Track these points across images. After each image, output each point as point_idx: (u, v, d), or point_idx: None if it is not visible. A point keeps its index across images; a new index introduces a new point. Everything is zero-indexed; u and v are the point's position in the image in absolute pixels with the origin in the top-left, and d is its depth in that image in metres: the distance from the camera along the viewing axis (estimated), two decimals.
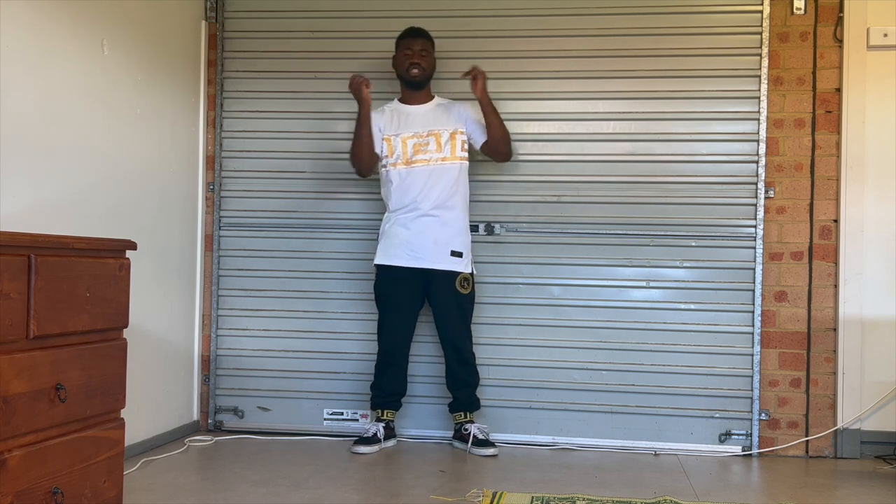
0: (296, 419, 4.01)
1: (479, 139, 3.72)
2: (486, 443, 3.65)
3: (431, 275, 3.64)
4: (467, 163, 3.72)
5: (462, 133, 3.70)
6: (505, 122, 3.89)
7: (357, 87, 3.61)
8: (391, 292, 3.68)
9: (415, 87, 3.74)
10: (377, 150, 3.71)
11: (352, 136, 3.70)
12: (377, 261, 3.69)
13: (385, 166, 3.71)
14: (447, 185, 3.64)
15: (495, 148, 3.70)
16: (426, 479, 3.20)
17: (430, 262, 3.62)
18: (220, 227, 4.10)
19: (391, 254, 3.65)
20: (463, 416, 3.73)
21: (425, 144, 3.66)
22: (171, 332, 3.80)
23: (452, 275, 3.63)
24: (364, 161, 3.69)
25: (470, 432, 3.66)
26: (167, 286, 3.75)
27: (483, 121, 3.67)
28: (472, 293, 3.71)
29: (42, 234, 2.04)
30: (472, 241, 3.77)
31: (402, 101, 3.79)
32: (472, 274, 3.70)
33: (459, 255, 3.65)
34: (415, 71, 3.69)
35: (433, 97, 3.80)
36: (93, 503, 2.17)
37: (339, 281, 4.02)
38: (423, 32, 3.74)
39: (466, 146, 3.72)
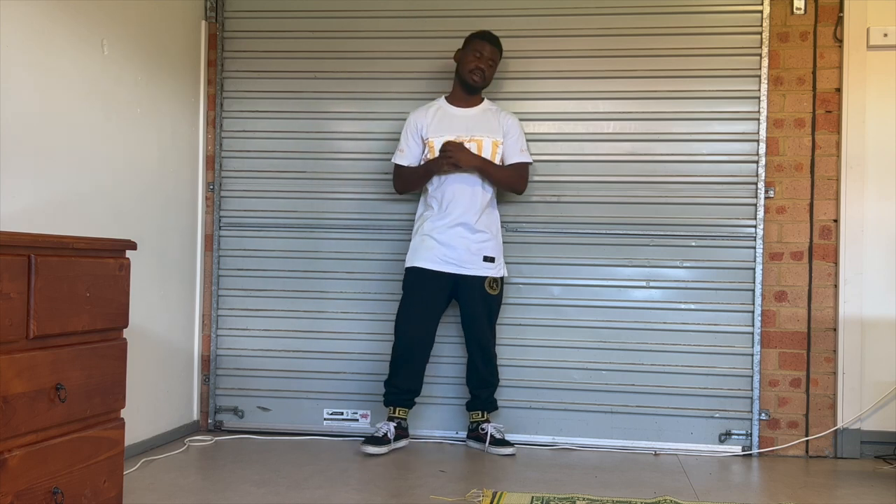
0: (296, 419, 4.01)
1: (505, 162, 3.70)
2: (504, 442, 3.65)
3: (462, 278, 3.63)
4: None
5: (501, 145, 3.67)
6: None
7: (446, 165, 3.55)
8: (419, 290, 3.63)
9: (468, 91, 3.69)
10: (420, 158, 3.69)
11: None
12: (408, 263, 3.66)
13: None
14: (482, 192, 3.63)
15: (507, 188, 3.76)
16: (426, 479, 3.20)
17: (464, 269, 3.61)
18: (220, 227, 4.10)
19: (424, 257, 3.62)
20: (480, 416, 3.73)
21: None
22: (171, 332, 3.80)
23: (483, 277, 3.63)
24: (410, 189, 3.77)
25: (487, 432, 3.66)
26: (167, 286, 3.75)
27: (511, 145, 3.67)
28: (500, 295, 3.70)
29: (42, 234, 2.04)
30: None
31: (449, 100, 3.73)
32: (502, 277, 3.70)
33: (492, 259, 3.64)
34: (476, 78, 3.63)
35: (482, 100, 3.75)
36: (93, 503, 2.17)
37: (339, 281, 4.02)
38: (497, 42, 3.69)
39: (502, 159, 3.70)
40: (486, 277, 3.63)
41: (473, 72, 3.64)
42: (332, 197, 4.03)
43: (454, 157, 3.55)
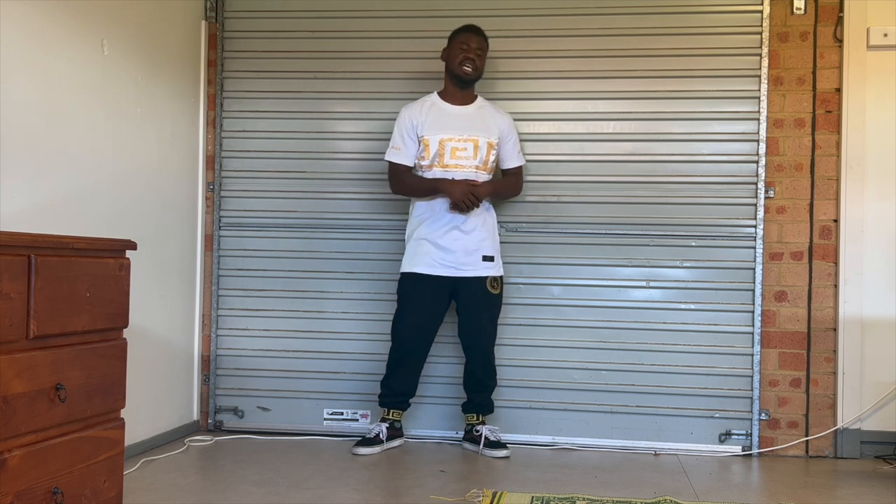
0: (296, 419, 4.01)
1: (502, 165, 3.71)
2: (498, 444, 3.63)
3: (462, 280, 3.60)
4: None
5: (496, 147, 3.65)
6: None
7: (469, 203, 3.52)
8: (417, 295, 3.60)
9: (461, 85, 3.65)
10: (416, 156, 3.64)
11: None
12: (405, 269, 3.62)
13: (420, 168, 3.64)
14: None
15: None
16: (426, 478, 3.20)
17: (463, 271, 3.58)
18: (220, 227, 4.10)
19: (422, 261, 3.58)
20: (475, 418, 3.71)
21: (463, 149, 3.59)
22: (171, 332, 3.80)
23: (484, 277, 3.61)
24: (408, 195, 3.71)
25: (481, 434, 3.65)
26: (167, 286, 3.75)
27: (510, 149, 3.69)
28: (502, 294, 3.68)
29: (42, 234, 2.04)
30: None
31: (442, 97, 3.68)
32: (502, 276, 3.68)
33: (491, 258, 3.62)
34: (467, 68, 3.58)
35: (476, 98, 3.72)
36: (93, 503, 2.17)
37: (339, 281, 4.02)
38: (481, 32, 3.65)
39: (497, 160, 3.70)
40: (488, 277, 3.61)
41: (464, 62, 3.58)
42: (332, 197, 4.03)
43: (473, 198, 3.51)
